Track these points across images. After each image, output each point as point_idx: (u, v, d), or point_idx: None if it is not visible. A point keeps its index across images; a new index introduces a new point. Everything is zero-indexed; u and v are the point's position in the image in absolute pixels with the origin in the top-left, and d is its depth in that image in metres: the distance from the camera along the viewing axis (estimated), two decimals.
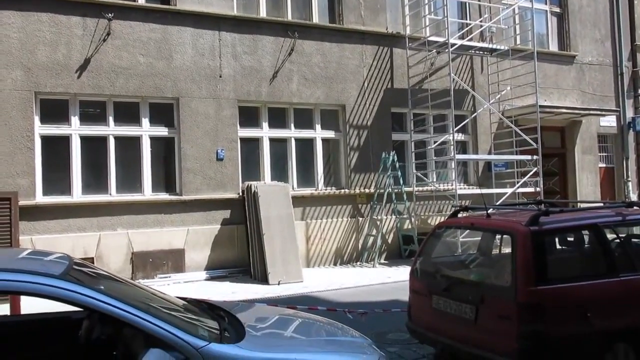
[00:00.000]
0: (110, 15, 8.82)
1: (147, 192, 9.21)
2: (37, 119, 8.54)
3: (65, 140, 8.76)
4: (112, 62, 8.93)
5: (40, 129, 8.58)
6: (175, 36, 9.41)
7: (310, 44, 10.50)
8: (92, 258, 8.50)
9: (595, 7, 14.19)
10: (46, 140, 8.65)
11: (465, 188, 11.76)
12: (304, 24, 10.51)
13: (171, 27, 9.38)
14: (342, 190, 10.71)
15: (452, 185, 11.07)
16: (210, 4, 9.67)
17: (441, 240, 5.39)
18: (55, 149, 8.69)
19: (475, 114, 11.85)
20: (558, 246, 5.00)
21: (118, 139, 9.10)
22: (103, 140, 9.00)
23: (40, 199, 8.47)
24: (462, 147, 12.19)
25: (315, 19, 10.76)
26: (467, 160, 11.92)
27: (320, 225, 10.41)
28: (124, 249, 8.81)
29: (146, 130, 9.28)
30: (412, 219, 10.98)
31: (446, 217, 10.91)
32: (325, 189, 10.68)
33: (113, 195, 8.98)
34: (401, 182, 10.74)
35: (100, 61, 8.86)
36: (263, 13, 10.30)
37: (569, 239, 5.01)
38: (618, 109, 14.17)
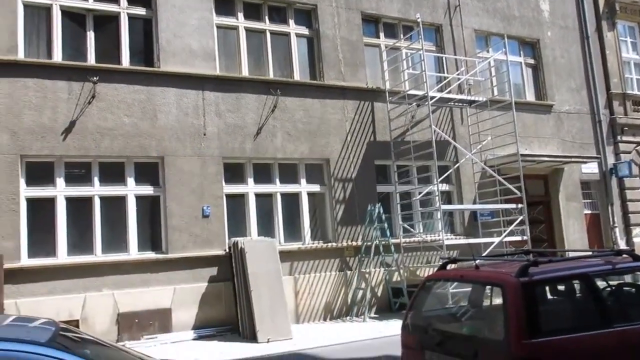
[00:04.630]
0: (95, 78, 9.61)
1: (133, 252, 9.72)
2: (22, 182, 9.13)
3: (50, 202, 9.31)
4: (97, 124, 9.65)
5: (26, 192, 9.15)
6: (159, 96, 10.22)
7: (293, 100, 11.41)
8: (77, 320, 8.87)
9: (568, 58, 15.55)
10: (32, 202, 9.20)
11: (452, 238, 12.44)
12: (286, 81, 11.46)
13: (155, 88, 10.21)
14: (329, 244, 11.32)
15: (439, 235, 11.74)
16: (193, 65, 10.57)
17: (431, 293, 5.58)
18: (41, 210, 9.22)
19: (457, 164, 12.73)
20: (550, 297, 5.15)
21: (103, 199, 9.69)
22: (88, 200, 9.58)
23: (26, 261, 8.92)
24: (447, 197, 12.99)
25: (297, 77, 11.73)
26: (452, 210, 12.68)
27: (308, 280, 10.92)
28: (109, 310, 9.19)
29: (131, 190, 9.90)
30: (401, 271, 11.55)
31: (435, 269, 11.58)
32: (312, 243, 11.28)
33: (98, 255, 9.46)
34: (388, 234, 11.38)
35: (86, 123, 9.58)
36: (245, 72, 11.24)
37: (560, 289, 5.16)
38: (599, 155, 15.24)
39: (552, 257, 5.19)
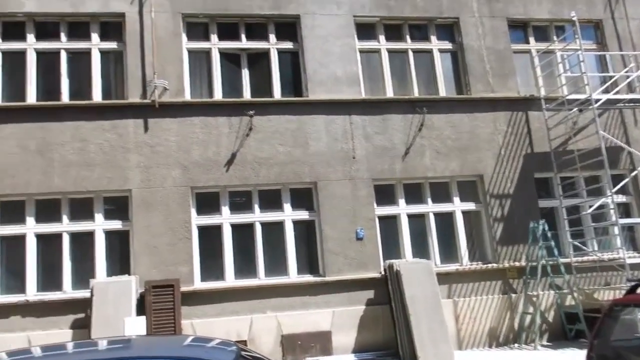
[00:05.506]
0: (251, 112, 10.71)
1: (293, 275, 10.49)
2: (193, 211, 10.40)
3: (217, 229, 10.48)
4: (254, 154, 10.70)
5: (197, 220, 10.40)
6: (309, 124, 11.05)
7: (440, 117, 11.57)
8: (245, 341, 9.75)
9: None
10: (202, 230, 10.43)
11: (636, 256, 11.49)
12: (431, 98, 11.69)
13: (305, 117, 11.06)
14: (489, 265, 11.11)
15: (618, 253, 10.92)
16: (339, 92, 11.28)
17: (619, 320, 5.30)
18: (210, 237, 10.41)
19: (635, 172, 11.81)
20: None
21: (264, 224, 10.66)
22: (250, 227, 10.59)
23: (199, 284, 10.09)
24: (624, 210, 12.05)
25: (442, 92, 11.90)
26: (633, 224, 11.72)
27: (469, 304, 10.79)
28: (273, 332, 9.97)
29: (288, 215, 10.75)
30: (575, 294, 10.89)
31: (618, 292, 10.74)
32: (471, 265, 11.16)
33: (262, 278, 10.37)
34: (556, 253, 10.84)
35: (245, 154, 10.68)
36: (390, 93, 11.70)
37: None
38: None
39: None
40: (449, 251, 11.26)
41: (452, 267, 11.02)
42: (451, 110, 11.68)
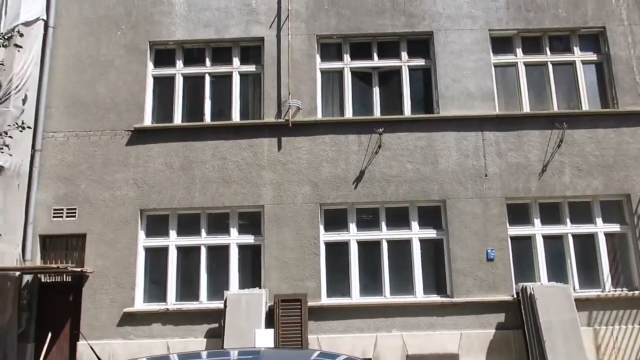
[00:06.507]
0: (380, 130, 11.17)
1: (419, 294, 10.76)
2: (321, 228, 11.08)
3: (344, 245, 11.05)
4: (383, 172, 11.16)
5: (324, 237, 11.06)
6: (439, 141, 11.27)
7: (581, 132, 11.22)
8: (370, 359, 10.19)
9: None
10: (329, 246, 11.06)
11: None
12: (572, 113, 11.36)
13: (435, 134, 11.32)
14: (637, 292, 10.55)
15: None
16: (472, 107, 11.39)
17: None
18: (337, 253, 11.01)
19: None
20: None
21: (390, 242, 11.05)
22: (376, 244, 11.04)
23: (325, 300, 10.73)
24: None
25: (585, 107, 11.52)
26: None
27: (612, 333, 10.34)
28: (398, 351, 10.31)
29: (416, 233, 11.05)
30: None
31: None
32: (615, 291, 10.68)
33: (387, 297, 10.76)
34: None
35: (373, 172, 11.17)
36: (526, 108, 11.57)
37: None
38: None
39: None
40: (589, 275, 10.87)
41: (592, 293, 10.63)
42: (595, 125, 11.29)
